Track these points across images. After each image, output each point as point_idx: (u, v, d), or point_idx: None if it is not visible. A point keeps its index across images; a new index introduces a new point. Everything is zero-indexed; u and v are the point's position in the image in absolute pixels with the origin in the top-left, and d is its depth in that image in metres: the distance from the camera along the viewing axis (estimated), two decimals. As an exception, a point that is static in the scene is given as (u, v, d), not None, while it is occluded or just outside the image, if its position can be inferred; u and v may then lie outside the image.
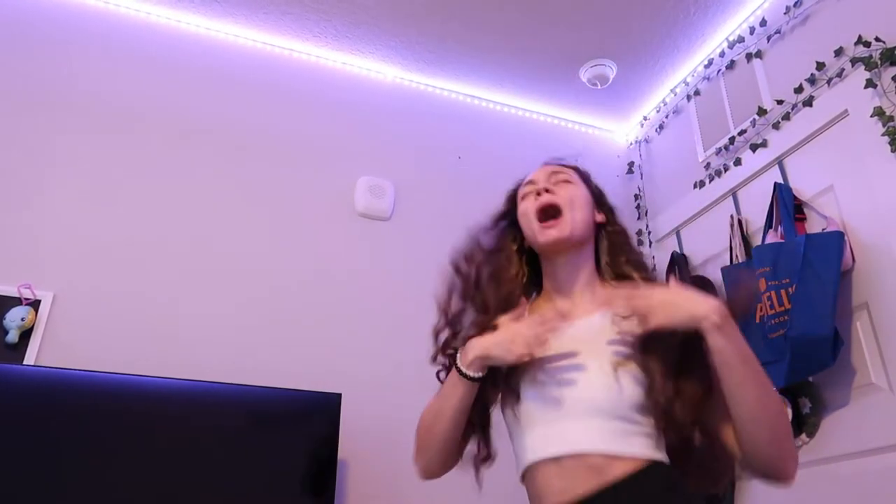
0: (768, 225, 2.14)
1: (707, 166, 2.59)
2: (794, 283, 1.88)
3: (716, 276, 2.34)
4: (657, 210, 2.83)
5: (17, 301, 1.97)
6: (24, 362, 1.92)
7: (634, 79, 2.81)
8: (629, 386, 1.07)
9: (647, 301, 1.04)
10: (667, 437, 1.06)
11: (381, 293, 2.42)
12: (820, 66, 2.11)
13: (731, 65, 2.54)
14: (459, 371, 1.15)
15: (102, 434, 1.80)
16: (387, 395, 2.26)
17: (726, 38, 2.57)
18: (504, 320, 1.15)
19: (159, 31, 2.51)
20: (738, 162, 2.41)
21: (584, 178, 1.30)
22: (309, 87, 2.67)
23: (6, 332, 1.93)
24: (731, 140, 2.46)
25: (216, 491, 1.84)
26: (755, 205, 2.28)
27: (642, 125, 3.03)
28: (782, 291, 1.92)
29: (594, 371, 1.09)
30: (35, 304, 1.99)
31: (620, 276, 1.22)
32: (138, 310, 2.11)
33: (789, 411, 1.96)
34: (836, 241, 1.89)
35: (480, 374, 1.13)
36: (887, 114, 1.86)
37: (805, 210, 2.10)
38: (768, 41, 2.39)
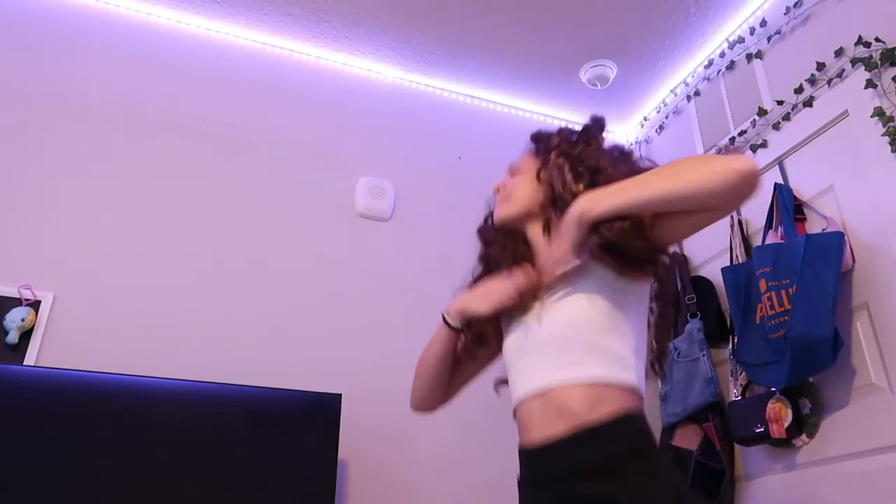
0: (768, 225, 2.14)
1: (707, 167, 2.58)
2: (795, 283, 1.88)
3: (716, 276, 2.35)
4: (657, 210, 2.83)
5: (17, 302, 1.97)
6: (25, 363, 1.92)
7: (634, 79, 2.81)
8: (573, 310, 1.19)
9: (551, 262, 1.20)
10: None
11: (382, 293, 2.42)
12: (820, 66, 2.11)
13: (732, 65, 2.55)
14: (444, 319, 1.34)
15: (102, 434, 1.80)
16: (387, 396, 2.25)
17: (726, 39, 2.57)
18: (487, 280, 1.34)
19: (159, 32, 2.52)
20: (738, 162, 2.41)
21: (545, 148, 1.37)
22: (309, 88, 2.67)
23: (6, 333, 1.93)
24: (732, 140, 2.46)
25: (216, 491, 1.84)
26: (755, 205, 2.27)
27: (642, 126, 3.03)
28: (782, 292, 1.92)
29: (547, 312, 1.22)
30: (35, 305, 1.99)
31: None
32: (138, 310, 2.11)
33: (789, 412, 1.96)
34: (836, 241, 1.89)
35: (459, 326, 1.32)
36: (887, 114, 1.86)
37: (805, 210, 2.10)
38: (768, 42, 2.39)
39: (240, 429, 1.94)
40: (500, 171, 1.64)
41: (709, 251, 2.49)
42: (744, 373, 2.13)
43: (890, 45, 1.90)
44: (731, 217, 2.34)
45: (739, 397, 2.14)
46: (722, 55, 2.60)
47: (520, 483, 1.23)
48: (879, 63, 1.91)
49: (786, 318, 1.88)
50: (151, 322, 2.11)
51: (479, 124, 2.89)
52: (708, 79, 2.67)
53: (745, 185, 1.05)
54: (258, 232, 2.37)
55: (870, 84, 1.92)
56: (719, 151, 2.51)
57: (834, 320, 1.81)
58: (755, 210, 2.27)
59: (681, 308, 2.37)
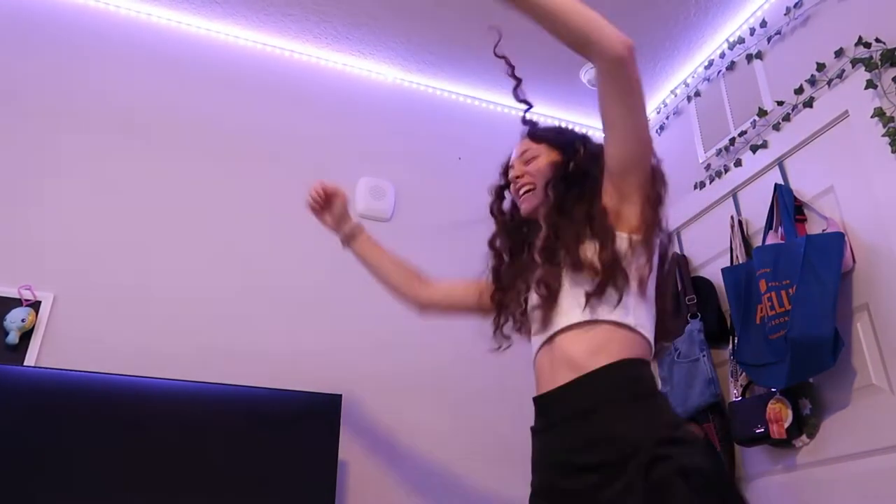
0: (769, 226, 2.14)
1: (707, 167, 2.59)
2: (795, 284, 1.88)
3: (716, 277, 2.35)
4: (657, 211, 2.83)
5: (17, 302, 1.97)
6: (25, 363, 1.92)
7: (635, 80, 2.80)
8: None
9: None
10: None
11: (382, 295, 2.41)
12: (820, 67, 2.11)
13: (732, 66, 2.55)
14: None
15: (103, 435, 1.80)
16: (387, 397, 2.26)
17: (726, 40, 2.57)
18: None
19: (159, 33, 2.52)
20: (738, 163, 2.41)
21: (548, 135, 1.57)
22: (309, 89, 2.67)
23: (6, 334, 1.93)
24: (732, 141, 2.46)
25: (217, 492, 1.84)
26: (755, 206, 2.28)
27: (642, 126, 3.03)
28: (783, 292, 1.92)
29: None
30: (35, 306, 1.99)
31: None
32: (139, 311, 2.11)
33: (789, 413, 1.96)
34: (836, 242, 1.89)
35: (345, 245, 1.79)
36: (888, 115, 1.86)
37: (805, 211, 2.10)
38: (768, 42, 2.39)
39: (240, 429, 1.94)
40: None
41: (709, 251, 2.49)
42: (744, 373, 2.13)
43: (890, 46, 1.90)
44: (732, 217, 2.35)
45: (739, 398, 2.14)
46: (722, 56, 2.60)
47: (533, 431, 1.34)
48: (880, 64, 1.91)
49: (786, 318, 1.88)
50: (151, 322, 2.11)
51: (479, 125, 2.89)
52: (708, 79, 2.67)
53: (615, 49, 1.21)
54: (258, 233, 2.37)
55: (870, 85, 1.92)
56: (719, 152, 2.51)
57: (834, 321, 1.81)
58: (756, 210, 2.27)
59: (681, 308, 2.37)
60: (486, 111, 2.94)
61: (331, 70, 2.73)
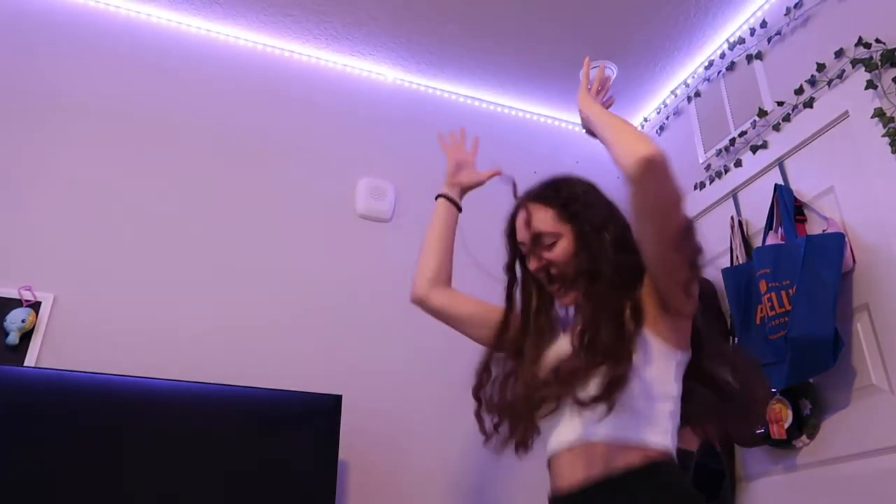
0: (769, 226, 2.14)
1: (707, 167, 2.59)
2: (795, 284, 1.88)
3: (716, 277, 2.34)
4: (658, 211, 2.82)
5: (17, 303, 1.97)
6: (25, 364, 1.92)
7: (635, 80, 2.81)
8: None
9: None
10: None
11: (382, 295, 2.42)
12: (820, 67, 2.11)
13: (732, 66, 2.55)
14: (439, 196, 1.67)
15: (103, 436, 1.80)
16: (387, 397, 2.26)
17: (727, 40, 2.57)
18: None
19: (159, 33, 2.52)
20: (738, 163, 2.41)
21: (563, 204, 1.34)
22: (309, 89, 2.67)
23: (7, 334, 1.93)
24: (732, 141, 2.46)
25: (217, 492, 1.84)
26: (756, 206, 2.28)
27: (643, 127, 3.03)
28: (783, 293, 1.92)
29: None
30: (35, 306, 1.99)
31: None
32: (139, 311, 2.11)
33: (789, 413, 1.95)
34: (836, 242, 1.89)
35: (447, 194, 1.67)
36: (888, 115, 1.86)
37: (805, 211, 2.10)
38: (769, 42, 2.39)
39: (240, 430, 1.94)
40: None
41: (709, 252, 2.47)
42: (744, 374, 2.13)
43: (890, 46, 1.90)
44: (732, 218, 2.35)
45: (740, 398, 2.14)
46: (722, 56, 2.60)
47: None
48: (880, 64, 1.91)
49: (786, 318, 1.88)
50: (152, 323, 2.11)
51: (479, 125, 2.86)
52: (708, 80, 2.67)
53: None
54: (259, 233, 2.37)
55: (870, 85, 1.92)
56: (719, 152, 2.51)
57: (834, 321, 1.81)
58: (756, 211, 2.27)
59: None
60: (486, 111, 2.94)
61: (331, 70, 2.73)
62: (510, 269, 1.42)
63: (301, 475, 1.94)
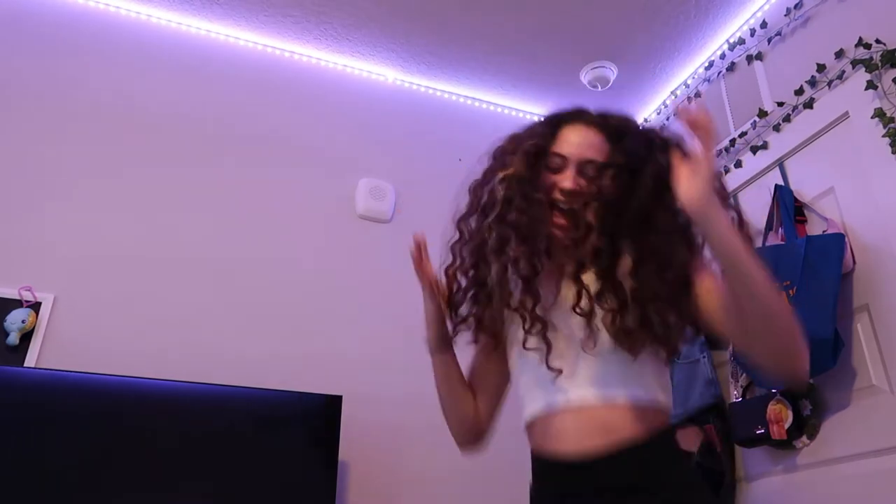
0: (769, 227, 2.14)
1: (707, 168, 2.59)
2: (795, 285, 1.88)
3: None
4: (658, 212, 2.83)
5: (17, 303, 1.97)
6: (25, 364, 1.92)
7: (635, 81, 2.81)
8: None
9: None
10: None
11: (382, 295, 2.42)
12: (820, 67, 2.11)
13: (732, 67, 2.55)
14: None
15: (103, 436, 1.80)
16: (387, 397, 2.26)
17: (727, 41, 2.57)
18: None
19: (160, 34, 2.52)
20: (738, 164, 2.41)
21: (618, 139, 1.25)
22: (309, 90, 2.67)
23: (7, 335, 1.93)
24: (732, 142, 2.46)
25: (217, 492, 1.85)
26: (756, 207, 2.28)
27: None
28: (783, 293, 1.92)
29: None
30: (36, 307, 1.99)
31: None
32: (139, 312, 2.11)
33: (790, 414, 1.96)
34: (836, 242, 1.89)
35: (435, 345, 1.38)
36: (888, 115, 1.86)
37: (806, 212, 2.10)
38: (769, 43, 2.39)
39: (241, 430, 1.94)
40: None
41: (709, 252, 2.48)
42: (744, 374, 2.13)
43: (890, 47, 1.90)
44: (732, 218, 2.34)
45: (740, 399, 2.14)
46: (722, 57, 2.60)
47: (538, 492, 1.18)
48: (880, 64, 1.91)
49: (786, 319, 1.88)
50: (152, 323, 2.11)
51: (479, 126, 2.89)
52: (708, 80, 2.67)
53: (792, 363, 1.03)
54: (259, 234, 2.37)
55: (870, 85, 1.92)
56: (719, 153, 2.51)
57: (834, 322, 1.81)
58: (756, 211, 2.27)
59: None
60: (487, 112, 2.94)
61: (331, 71, 2.73)
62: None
63: (302, 475, 1.94)
